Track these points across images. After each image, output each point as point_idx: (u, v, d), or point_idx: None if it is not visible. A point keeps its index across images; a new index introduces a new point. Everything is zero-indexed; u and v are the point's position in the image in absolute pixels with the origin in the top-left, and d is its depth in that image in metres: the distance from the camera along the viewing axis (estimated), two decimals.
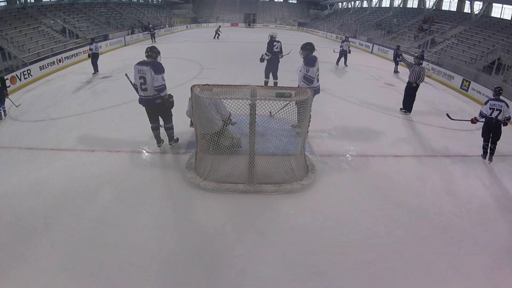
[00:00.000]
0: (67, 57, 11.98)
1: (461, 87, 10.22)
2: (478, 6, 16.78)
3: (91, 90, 8.29)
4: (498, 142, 5.02)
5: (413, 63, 7.14)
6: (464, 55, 13.31)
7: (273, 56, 7.26)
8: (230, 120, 4.42)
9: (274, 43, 7.19)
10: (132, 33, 20.32)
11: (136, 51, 15.63)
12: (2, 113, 6.44)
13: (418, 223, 3.53)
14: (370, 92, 8.84)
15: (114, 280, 2.68)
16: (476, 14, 16.67)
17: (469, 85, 9.85)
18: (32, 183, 4.01)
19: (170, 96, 4.59)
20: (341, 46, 12.46)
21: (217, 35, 21.49)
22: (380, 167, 4.70)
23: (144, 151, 4.88)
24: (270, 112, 3.86)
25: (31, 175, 4.20)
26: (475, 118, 5.18)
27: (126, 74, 4.63)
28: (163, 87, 4.38)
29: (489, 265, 3.02)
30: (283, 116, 4.01)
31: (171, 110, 4.75)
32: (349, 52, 12.41)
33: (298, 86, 5.16)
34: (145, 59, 4.40)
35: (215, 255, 2.98)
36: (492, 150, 5.03)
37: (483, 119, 5.01)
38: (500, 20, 15.59)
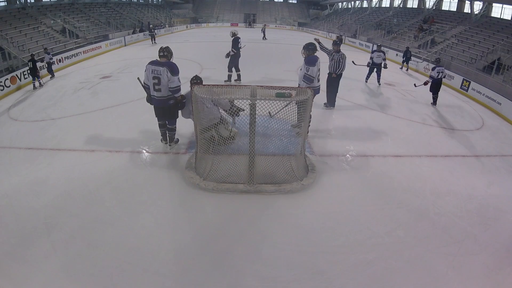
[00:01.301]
0: (67, 57, 11.98)
1: (461, 87, 10.22)
2: (478, 6, 16.78)
3: (91, 90, 8.29)
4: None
5: (332, 50, 6.50)
6: (464, 55, 13.31)
7: (237, 52, 8.18)
8: (235, 107, 4.22)
9: (239, 40, 8.12)
10: (134, 32, 20.32)
11: (136, 51, 15.65)
12: (38, 84, 8.72)
13: (418, 223, 3.53)
14: (370, 92, 8.84)
15: (114, 280, 2.68)
16: (476, 14, 16.67)
17: (469, 85, 9.85)
18: (32, 183, 4.01)
19: (183, 97, 4.58)
20: (371, 58, 9.50)
21: (264, 35, 21.00)
22: (380, 167, 4.70)
23: (144, 151, 4.87)
24: (270, 113, 3.86)
25: (31, 175, 4.20)
26: (427, 81, 7.65)
27: (138, 78, 4.52)
28: (178, 88, 4.39)
29: (489, 265, 3.01)
30: (283, 116, 4.01)
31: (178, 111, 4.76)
32: (385, 67, 9.43)
33: (299, 85, 5.16)
34: (158, 59, 4.36)
35: (215, 255, 2.97)
36: (436, 99, 7.87)
37: (431, 80, 7.57)
38: (500, 20, 15.58)
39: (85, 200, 3.68)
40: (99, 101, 7.32)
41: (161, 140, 4.97)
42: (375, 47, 10.03)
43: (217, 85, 3.88)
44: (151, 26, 20.38)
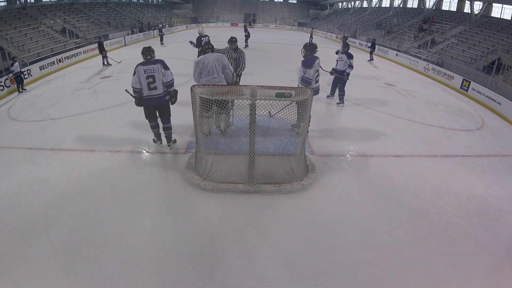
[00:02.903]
0: (67, 57, 11.98)
1: (461, 87, 10.22)
2: (478, 6, 16.78)
3: (91, 90, 8.29)
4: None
5: (229, 48, 5.68)
6: (464, 55, 13.31)
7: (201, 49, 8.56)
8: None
9: (202, 38, 8.26)
10: (132, 32, 20.31)
11: (136, 51, 15.60)
12: (106, 62, 10.84)
13: (418, 223, 3.53)
14: (370, 92, 8.84)
15: (114, 280, 2.68)
16: (476, 14, 16.67)
17: (469, 85, 9.85)
18: (32, 183, 4.00)
19: (176, 92, 4.62)
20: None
21: (311, 39, 20.58)
22: (380, 167, 4.70)
23: (144, 151, 4.87)
24: (269, 112, 3.86)
25: (31, 175, 4.20)
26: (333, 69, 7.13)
27: (126, 90, 4.51)
28: (172, 82, 4.46)
29: (489, 265, 3.01)
30: (283, 116, 4.01)
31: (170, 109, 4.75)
32: (346, 78, 6.92)
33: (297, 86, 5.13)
34: (145, 60, 4.37)
35: (215, 255, 2.97)
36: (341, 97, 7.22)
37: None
38: (500, 20, 15.58)
39: (85, 200, 3.68)
40: (99, 101, 7.32)
41: (154, 141, 4.92)
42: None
43: (217, 85, 3.89)
44: (160, 26, 20.23)
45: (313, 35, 22.54)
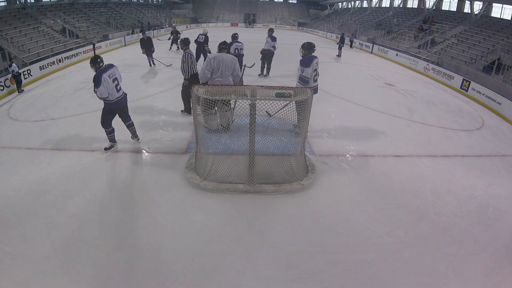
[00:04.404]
0: (67, 57, 11.97)
1: (461, 87, 10.23)
2: (478, 6, 16.78)
3: (91, 90, 8.22)
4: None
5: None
6: (464, 55, 13.31)
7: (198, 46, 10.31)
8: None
9: (201, 36, 10.44)
10: (133, 33, 20.29)
11: (136, 51, 15.61)
12: (151, 62, 10.49)
13: (418, 223, 3.53)
14: (370, 92, 8.84)
15: (114, 280, 2.68)
16: (476, 14, 16.67)
17: (469, 85, 9.85)
18: (32, 183, 4.00)
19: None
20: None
21: (341, 44, 19.72)
22: (380, 167, 4.70)
23: (144, 151, 4.87)
24: (268, 112, 3.86)
25: (31, 175, 4.20)
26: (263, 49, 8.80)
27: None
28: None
29: (489, 265, 3.02)
30: (282, 116, 4.01)
31: None
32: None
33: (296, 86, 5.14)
34: (101, 68, 4.42)
35: (215, 255, 2.97)
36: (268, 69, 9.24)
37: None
38: (500, 20, 15.59)
39: (85, 200, 3.68)
40: (99, 101, 7.25)
41: (110, 147, 4.83)
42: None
43: (217, 85, 3.90)
44: (174, 24, 19.19)
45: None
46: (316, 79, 5.15)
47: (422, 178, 4.46)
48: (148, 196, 3.80)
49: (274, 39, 8.89)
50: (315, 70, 5.05)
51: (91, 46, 14.02)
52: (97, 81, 4.28)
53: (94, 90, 4.38)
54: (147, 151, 4.87)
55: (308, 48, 5.03)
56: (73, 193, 3.81)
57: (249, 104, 3.56)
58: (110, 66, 4.51)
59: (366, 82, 10.15)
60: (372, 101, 7.83)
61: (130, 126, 4.92)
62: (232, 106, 4.82)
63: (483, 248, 3.23)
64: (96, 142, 5.10)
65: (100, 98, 4.42)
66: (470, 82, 9.85)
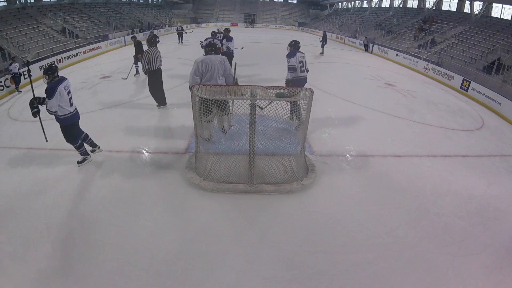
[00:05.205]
0: (67, 57, 11.98)
1: (461, 87, 10.22)
2: (478, 6, 16.77)
3: (91, 90, 8.28)
4: None
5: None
6: (464, 55, 13.31)
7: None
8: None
9: (217, 35, 9.21)
10: (133, 32, 20.28)
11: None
12: (136, 70, 9.49)
13: (418, 223, 3.53)
14: (370, 92, 8.84)
15: (114, 280, 2.68)
16: (476, 14, 16.66)
17: (469, 85, 9.85)
18: (32, 183, 4.00)
19: None
20: None
21: (366, 47, 18.81)
22: (380, 167, 4.70)
23: (144, 151, 4.87)
24: (259, 105, 3.82)
25: (31, 175, 4.20)
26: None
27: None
28: None
29: (489, 265, 3.01)
30: (274, 113, 3.93)
31: None
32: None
33: (286, 78, 5.58)
34: (56, 80, 4.03)
35: (215, 255, 2.97)
36: None
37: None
38: (500, 20, 15.58)
39: (85, 200, 3.68)
40: (99, 101, 7.32)
41: (92, 149, 4.70)
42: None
43: (217, 85, 3.90)
44: (179, 24, 20.03)
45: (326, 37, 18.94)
46: (303, 70, 5.57)
47: (422, 178, 4.46)
48: (148, 196, 3.80)
49: (230, 39, 8.62)
50: (301, 62, 5.51)
51: (91, 46, 14.05)
52: (51, 92, 3.84)
53: (44, 103, 3.93)
54: (147, 151, 4.87)
55: (293, 45, 5.66)
56: (73, 193, 3.81)
57: (249, 104, 3.56)
58: (64, 78, 4.12)
59: (366, 82, 10.15)
60: (372, 101, 7.83)
61: (85, 138, 4.54)
62: (230, 109, 4.76)
63: (483, 248, 3.23)
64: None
65: (50, 112, 3.97)
66: (470, 82, 9.85)
